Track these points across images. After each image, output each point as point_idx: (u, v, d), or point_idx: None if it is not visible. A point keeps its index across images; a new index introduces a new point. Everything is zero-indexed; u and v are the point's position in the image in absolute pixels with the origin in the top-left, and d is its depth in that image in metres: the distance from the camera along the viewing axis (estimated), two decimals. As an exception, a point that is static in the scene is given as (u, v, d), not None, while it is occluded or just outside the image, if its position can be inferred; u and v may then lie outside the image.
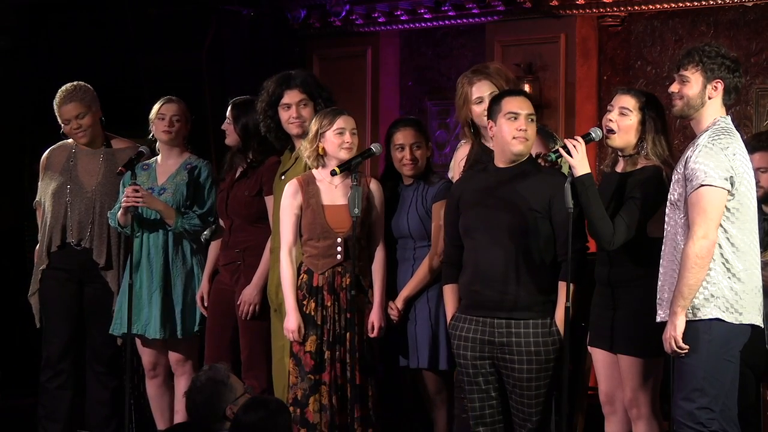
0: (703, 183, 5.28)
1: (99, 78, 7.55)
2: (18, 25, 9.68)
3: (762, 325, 5.49)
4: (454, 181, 6.29)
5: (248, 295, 6.71)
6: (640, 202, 5.63)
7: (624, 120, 5.71)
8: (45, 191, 7.28)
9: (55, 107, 7.20)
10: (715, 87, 5.42)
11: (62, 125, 7.21)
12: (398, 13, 9.38)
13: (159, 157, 7.11)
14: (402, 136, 6.44)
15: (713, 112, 5.45)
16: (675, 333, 5.33)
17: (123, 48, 9.68)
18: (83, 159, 7.25)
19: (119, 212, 6.91)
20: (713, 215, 5.29)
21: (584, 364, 6.34)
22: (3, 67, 9.50)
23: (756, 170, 6.22)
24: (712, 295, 5.33)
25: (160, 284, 6.98)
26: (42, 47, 9.65)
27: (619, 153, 5.78)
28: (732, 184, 5.32)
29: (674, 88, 5.49)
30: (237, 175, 6.87)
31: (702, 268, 5.29)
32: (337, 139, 6.29)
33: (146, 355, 7.12)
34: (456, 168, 6.36)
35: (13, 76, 9.53)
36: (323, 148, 6.33)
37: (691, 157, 5.35)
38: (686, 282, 5.29)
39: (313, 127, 6.35)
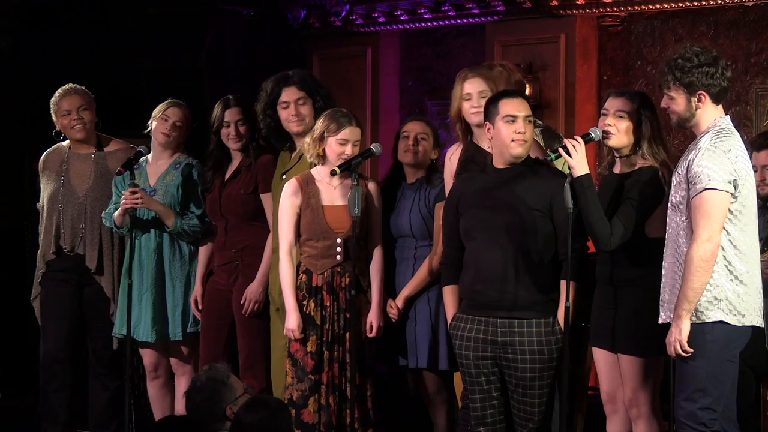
0: (707, 186, 5.27)
1: (99, 78, 7.55)
2: (18, 25, 9.68)
3: (762, 326, 5.49)
4: (447, 181, 6.28)
5: (254, 292, 6.71)
6: (636, 203, 5.63)
7: (621, 122, 5.71)
8: (44, 195, 7.28)
9: (54, 101, 7.17)
10: (699, 98, 5.40)
11: (59, 119, 7.16)
12: (398, 13, 9.38)
13: (150, 156, 7.08)
14: (410, 127, 6.51)
15: (710, 115, 5.43)
16: (680, 337, 5.31)
17: (123, 48, 9.67)
18: (75, 163, 7.23)
19: (116, 213, 6.89)
20: (717, 218, 5.28)
21: (584, 364, 6.33)
22: (3, 67, 9.50)
23: (762, 168, 6.22)
24: (716, 298, 5.33)
25: (151, 286, 6.96)
26: (42, 47, 9.64)
27: (616, 154, 5.79)
28: (735, 187, 5.31)
29: (664, 104, 5.49)
30: (228, 174, 6.86)
31: (706, 271, 5.28)
32: (338, 148, 6.31)
33: (147, 356, 7.11)
34: (449, 171, 6.33)
35: (13, 76, 9.52)
36: (323, 150, 6.34)
37: (694, 159, 5.33)
38: (691, 285, 5.28)
39: (320, 126, 6.34)
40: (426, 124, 6.54)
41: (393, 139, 6.61)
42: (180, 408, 6.87)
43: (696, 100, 5.39)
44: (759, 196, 5.66)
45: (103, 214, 7.03)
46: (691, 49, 5.43)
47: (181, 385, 7.00)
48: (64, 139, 7.29)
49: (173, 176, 7.00)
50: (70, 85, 7.24)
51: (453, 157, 6.32)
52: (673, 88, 5.41)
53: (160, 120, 7.01)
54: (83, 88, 7.24)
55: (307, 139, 6.40)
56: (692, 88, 5.37)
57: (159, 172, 7.04)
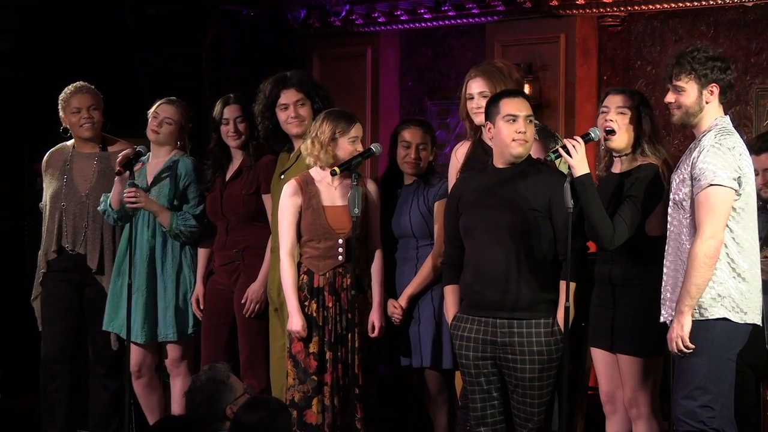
0: (712, 182, 5.29)
1: (99, 78, 7.55)
2: (18, 25, 9.68)
3: (762, 325, 5.49)
4: (452, 177, 6.29)
5: (255, 292, 6.71)
6: (638, 201, 5.63)
7: (623, 119, 5.72)
8: (46, 194, 7.28)
9: (63, 98, 7.16)
10: (711, 91, 5.41)
11: (68, 116, 7.15)
12: (398, 13, 9.38)
13: (150, 154, 7.09)
14: (410, 134, 6.48)
15: (712, 114, 5.45)
16: (682, 332, 5.31)
17: (123, 48, 9.68)
18: (79, 162, 7.23)
19: (111, 196, 6.88)
20: (721, 215, 5.29)
21: (584, 364, 6.33)
22: (3, 67, 9.50)
23: (764, 171, 6.23)
24: (719, 295, 5.33)
25: (143, 287, 6.94)
26: (42, 47, 9.65)
27: (615, 154, 5.79)
28: (739, 184, 5.32)
29: (670, 98, 5.48)
30: (230, 174, 6.86)
31: (710, 267, 5.29)
32: (350, 146, 6.30)
33: (132, 356, 7.03)
34: (454, 167, 6.33)
35: (13, 76, 9.52)
36: (334, 153, 6.30)
37: (698, 157, 5.35)
38: (694, 281, 5.29)
39: (327, 130, 6.30)
40: (424, 132, 6.51)
41: (391, 139, 6.60)
42: (179, 408, 6.87)
43: (708, 92, 5.40)
44: (760, 198, 5.67)
45: (99, 208, 7.03)
46: (701, 44, 5.47)
47: (177, 386, 6.99)
48: (68, 138, 7.29)
49: (169, 174, 7.00)
50: (81, 83, 7.25)
51: (459, 153, 6.32)
52: (685, 78, 5.41)
53: (151, 118, 7.01)
54: (93, 87, 7.25)
55: (308, 143, 6.35)
56: (706, 79, 5.39)
57: (155, 170, 7.04)
